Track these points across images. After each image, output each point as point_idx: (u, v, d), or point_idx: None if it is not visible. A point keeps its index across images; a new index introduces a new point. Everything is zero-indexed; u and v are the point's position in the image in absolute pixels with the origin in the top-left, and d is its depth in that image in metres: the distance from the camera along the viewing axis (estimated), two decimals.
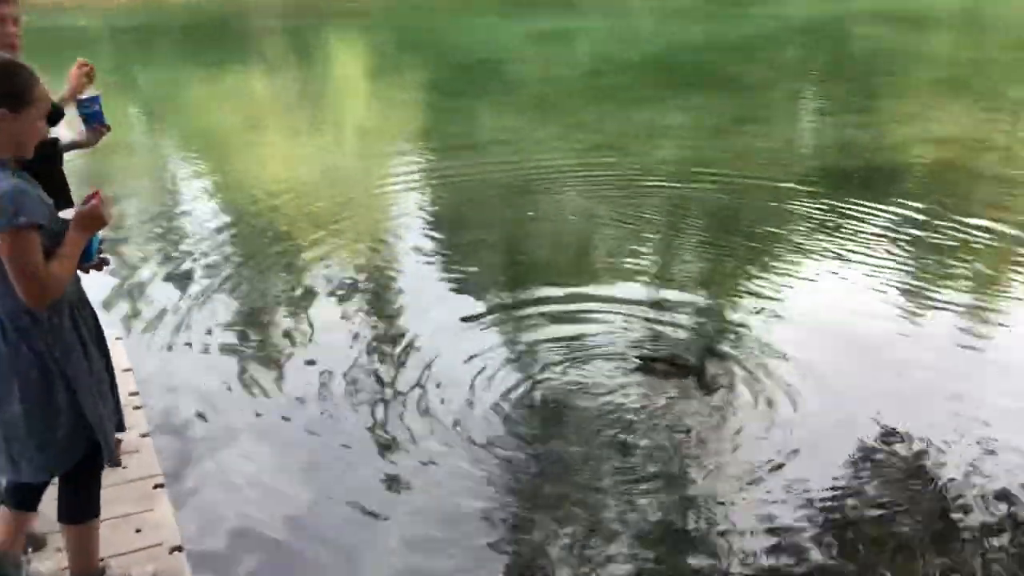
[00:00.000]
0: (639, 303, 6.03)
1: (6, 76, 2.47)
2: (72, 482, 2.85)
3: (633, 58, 17.03)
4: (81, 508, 2.91)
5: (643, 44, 18.99)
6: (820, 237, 7.18)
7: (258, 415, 4.91)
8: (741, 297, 6.18)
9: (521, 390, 5.01)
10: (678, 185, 8.74)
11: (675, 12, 23.19)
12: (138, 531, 3.46)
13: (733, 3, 23.58)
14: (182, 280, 6.88)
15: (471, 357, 5.36)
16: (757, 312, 5.84)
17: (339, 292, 6.57)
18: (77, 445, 2.74)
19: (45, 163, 2.95)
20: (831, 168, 8.93)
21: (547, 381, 5.11)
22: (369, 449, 4.57)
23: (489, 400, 4.91)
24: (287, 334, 5.94)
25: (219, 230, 8.15)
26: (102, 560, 3.08)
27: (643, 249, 7.15)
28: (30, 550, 3.21)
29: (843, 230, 7.27)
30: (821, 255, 6.81)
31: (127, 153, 11.07)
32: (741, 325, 5.72)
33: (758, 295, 6.17)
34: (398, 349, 5.58)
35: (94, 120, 3.48)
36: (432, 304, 6.30)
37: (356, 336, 5.84)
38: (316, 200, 9.00)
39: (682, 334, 5.63)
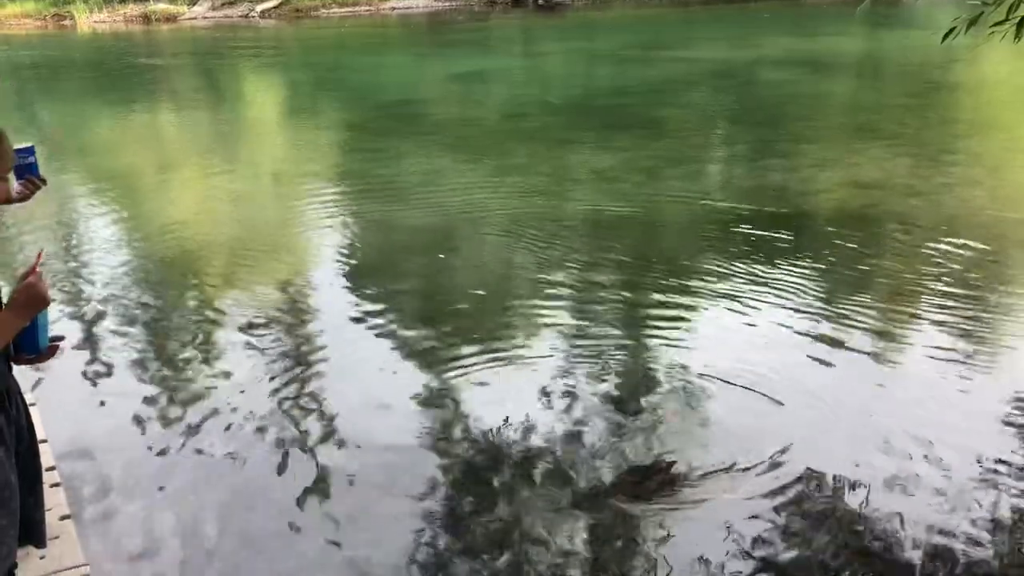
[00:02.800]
0: (551, 370, 5.82)
1: None
2: None
3: (553, 101, 17.10)
4: None
5: (560, 87, 19.12)
6: (745, 279, 7.18)
7: (172, 466, 4.77)
8: (656, 352, 6.08)
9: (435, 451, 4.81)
10: (606, 234, 8.67)
11: (587, 55, 23.52)
12: None
13: (642, 47, 24.06)
14: (88, 327, 6.61)
15: (381, 406, 5.26)
16: (676, 367, 5.74)
17: (251, 341, 6.31)
18: None
19: None
20: (763, 212, 9.01)
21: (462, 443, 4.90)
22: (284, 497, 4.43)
23: (398, 448, 4.77)
24: (196, 383, 5.74)
25: (127, 273, 7.87)
26: None
27: (561, 302, 7.02)
28: None
29: (771, 273, 7.29)
30: (745, 299, 6.79)
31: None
32: (655, 378, 5.64)
33: (675, 345, 6.11)
34: (308, 395, 5.51)
35: (28, 173, 3.12)
36: (344, 351, 6.16)
37: (268, 382, 5.69)
38: (229, 243, 8.69)
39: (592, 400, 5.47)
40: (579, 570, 3.90)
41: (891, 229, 8.39)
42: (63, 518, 3.65)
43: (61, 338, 2.53)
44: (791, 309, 6.59)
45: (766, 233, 8.30)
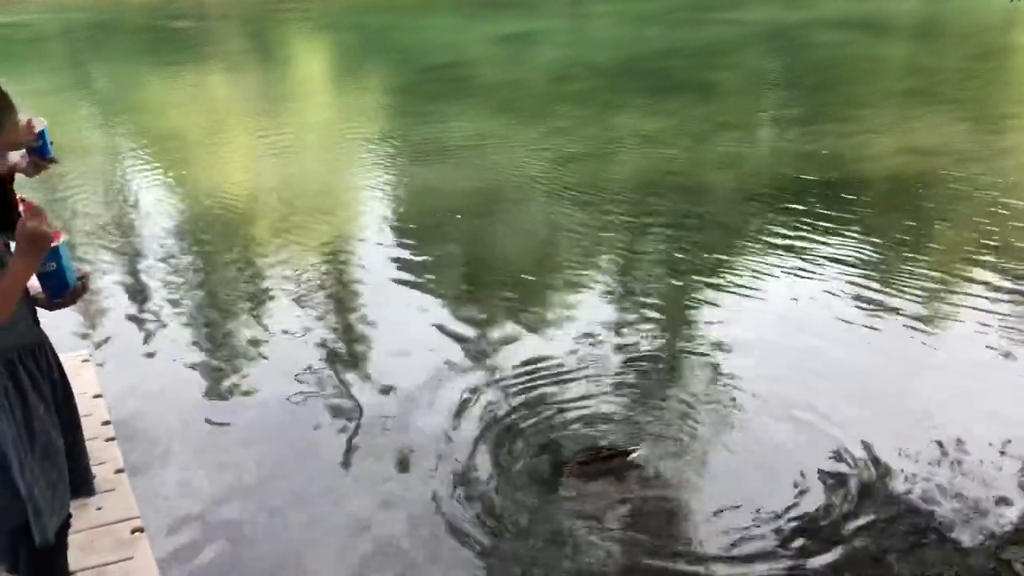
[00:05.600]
0: (590, 335, 5.75)
1: None
2: (27, 546, 2.48)
3: (601, 62, 16.86)
4: (41, 575, 2.57)
5: (608, 48, 18.84)
6: (794, 247, 7.06)
7: (224, 420, 4.86)
8: (699, 321, 5.98)
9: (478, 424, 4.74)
10: (654, 199, 8.55)
11: (636, 16, 23.10)
12: None
13: (692, 7, 23.56)
14: (140, 290, 6.71)
15: (431, 379, 5.18)
16: (715, 343, 5.60)
17: (299, 301, 6.38)
18: (12, 513, 2.38)
19: None
20: (813, 179, 8.82)
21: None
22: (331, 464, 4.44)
23: (444, 425, 4.71)
24: (246, 343, 5.81)
25: (178, 235, 7.95)
26: None
27: (605, 266, 6.94)
28: None
29: (823, 241, 7.14)
30: (792, 269, 6.66)
31: (82, 155, 10.59)
32: (699, 348, 5.54)
33: (717, 314, 5.99)
34: (357, 361, 5.53)
35: (38, 154, 3.16)
36: (393, 316, 6.16)
37: (316, 338, 5.77)
38: (278, 205, 8.75)
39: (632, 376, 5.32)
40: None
41: (948, 196, 8.17)
42: (117, 471, 3.74)
43: (86, 273, 2.52)
44: (841, 277, 6.46)
45: (816, 200, 8.14)
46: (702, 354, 5.45)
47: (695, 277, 6.71)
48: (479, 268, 7.21)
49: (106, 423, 4.09)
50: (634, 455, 4.36)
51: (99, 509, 3.46)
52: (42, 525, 2.37)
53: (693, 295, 6.42)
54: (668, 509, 4.07)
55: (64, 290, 2.40)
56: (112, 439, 3.97)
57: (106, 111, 14.14)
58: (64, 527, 2.53)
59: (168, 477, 4.33)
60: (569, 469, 4.31)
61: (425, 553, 3.77)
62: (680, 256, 7.11)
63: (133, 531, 3.38)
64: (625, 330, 5.84)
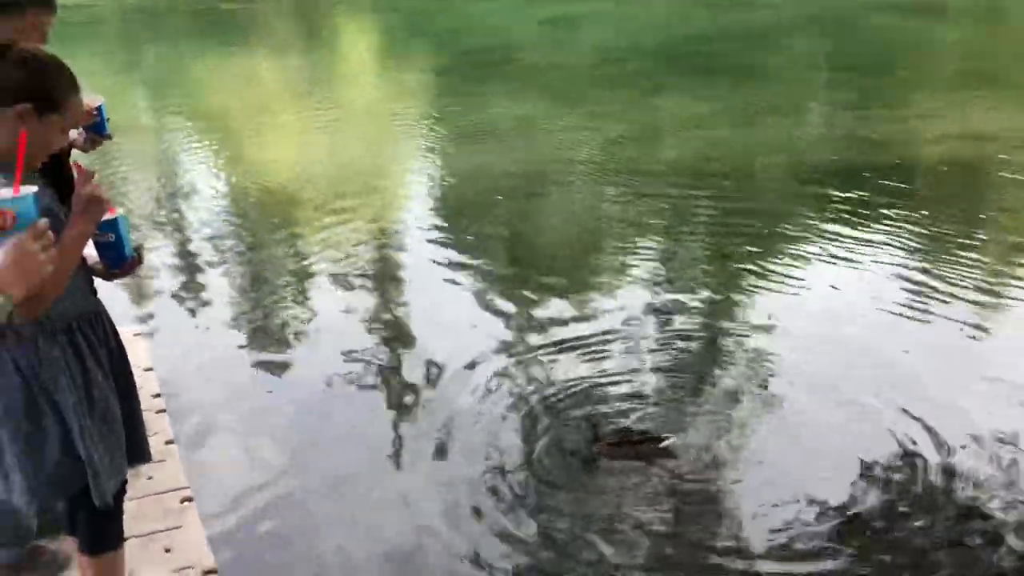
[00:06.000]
0: (633, 317, 5.72)
1: (44, 74, 2.15)
2: (87, 510, 2.53)
3: (647, 45, 16.72)
4: (97, 539, 2.63)
5: (655, 31, 18.66)
6: (842, 233, 6.95)
7: (271, 394, 4.96)
8: (743, 306, 5.92)
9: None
10: (699, 184, 8.47)
11: None
12: (167, 551, 3.21)
13: None
14: (189, 266, 6.82)
15: (473, 358, 5.18)
16: (763, 324, 5.56)
17: (345, 280, 6.44)
18: (72, 478, 2.42)
19: (54, 158, 2.63)
20: (863, 164, 8.66)
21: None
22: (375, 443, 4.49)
23: (485, 403, 4.73)
24: (293, 321, 5.88)
25: (226, 213, 8.08)
26: None
27: (649, 252, 6.90)
28: None
29: (872, 228, 7.02)
30: (839, 256, 6.56)
31: (135, 134, 10.78)
32: (742, 335, 5.48)
33: (762, 300, 5.93)
34: (400, 340, 5.55)
35: (95, 130, 3.20)
36: (436, 295, 6.20)
37: (361, 324, 5.80)
38: (324, 185, 8.82)
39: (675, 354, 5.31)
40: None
41: (1003, 183, 7.98)
42: (167, 443, 3.82)
43: (141, 245, 2.56)
44: (890, 266, 6.36)
45: (866, 186, 8.00)
46: (745, 338, 5.41)
47: (739, 262, 6.64)
48: (522, 249, 7.21)
49: (156, 396, 4.18)
50: (667, 442, 4.32)
51: (149, 479, 3.54)
52: (101, 488, 2.43)
53: (737, 280, 6.36)
54: (700, 498, 4.03)
55: (122, 261, 2.45)
56: (163, 411, 4.06)
57: (157, 91, 14.37)
58: (120, 492, 2.59)
59: (215, 450, 4.40)
60: (599, 448, 4.29)
61: (463, 531, 3.81)
62: (725, 240, 7.05)
63: (182, 501, 3.47)
64: (667, 313, 5.80)
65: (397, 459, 4.35)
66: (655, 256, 6.84)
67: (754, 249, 6.82)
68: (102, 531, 2.61)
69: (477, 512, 3.91)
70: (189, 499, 3.48)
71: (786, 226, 7.30)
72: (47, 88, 2.15)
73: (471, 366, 5.10)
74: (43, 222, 1.83)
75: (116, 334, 2.57)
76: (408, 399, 4.86)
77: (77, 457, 2.40)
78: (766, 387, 4.87)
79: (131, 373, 2.65)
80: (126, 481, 2.62)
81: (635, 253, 6.90)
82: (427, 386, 4.97)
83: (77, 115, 2.26)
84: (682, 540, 3.75)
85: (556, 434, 4.45)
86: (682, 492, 4.05)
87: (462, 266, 6.69)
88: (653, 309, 5.87)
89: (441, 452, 4.38)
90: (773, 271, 6.40)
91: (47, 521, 2.90)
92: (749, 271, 6.45)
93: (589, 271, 6.64)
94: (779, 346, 5.27)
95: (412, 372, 5.12)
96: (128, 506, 2.85)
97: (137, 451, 2.66)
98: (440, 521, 3.86)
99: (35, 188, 1.90)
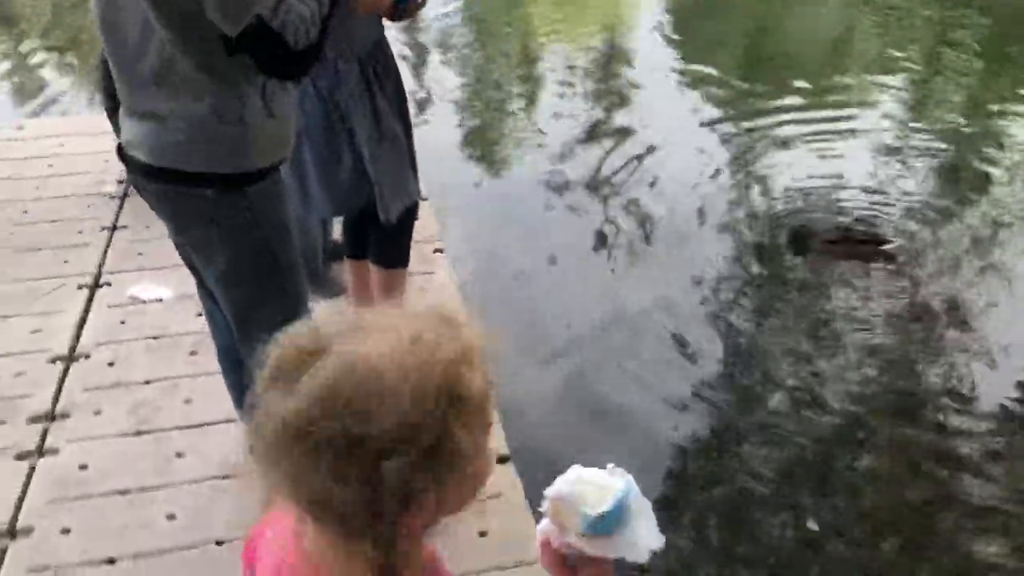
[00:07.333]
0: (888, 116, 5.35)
1: None
2: (375, 229, 2.84)
3: None
4: (386, 253, 2.94)
5: None
6: None
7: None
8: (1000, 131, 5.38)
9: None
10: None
11: None
12: (421, 290, 3.48)
13: None
14: (417, 62, 6.90)
15: (694, 163, 5.05)
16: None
17: (568, 75, 6.39)
18: (360, 191, 2.68)
19: None
20: None
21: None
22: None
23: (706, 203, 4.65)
24: (516, 112, 5.94)
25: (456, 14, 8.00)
26: None
27: (909, 52, 6.40)
28: None
29: None
30: None
31: None
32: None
33: None
34: (615, 146, 5.39)
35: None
36: (662, 99, 6.00)
37: (582, 128, 5.69)
38: None
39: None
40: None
41: None
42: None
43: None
44: None
45: None
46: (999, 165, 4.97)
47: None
48: (758, 49, 6.89)
49: None
50: (890, 245, 4.08)
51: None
52: (385, 205, 2.67)
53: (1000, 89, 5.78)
54: (923, 313, 3.79)
55: (408, 1, 2.55)
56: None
57: None
58: (409, 217, 2.82)
59: (453, 225, 4.56)
60: (817, 244, 4.12)
61: (675, 315, 3.86)
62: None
63: (435, 251, 3.72)
64: (918, 121, 5.43)
65: (597, 252, 4.42)
66: (916, 58, 6.36)
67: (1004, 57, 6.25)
68: (390, 246, 2.92)
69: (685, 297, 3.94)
70: (440, 250, 3.75)
71: None
72: None
73: (688, 167, 5.00)
74: None
75: (396, 65, 2.72)
76: (618, 200, 4.83)
77: (366, 177, 2.63)
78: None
79: (407, 108, 2.81)
80: (417, 205, 2.83)
81: (900, 52, 6.42)
82: (637, 191, 4.88)
83: None
84: (885, 357, 3.61)
85: (772, 232, 4.37)
86: (898, 301, 3.86)
87: (691, 71, 6.47)
88: (907, 108, 5.55)
89: (648, 248, 4.39)
90: None
91: (333, 249, 3.24)
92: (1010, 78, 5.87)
93: (837, 69, 6.33)
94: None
95: (624, 176, 5.04)
96: None
97: (414, 187, 2.87)
98: (641, 313, 3.92)
99: None
